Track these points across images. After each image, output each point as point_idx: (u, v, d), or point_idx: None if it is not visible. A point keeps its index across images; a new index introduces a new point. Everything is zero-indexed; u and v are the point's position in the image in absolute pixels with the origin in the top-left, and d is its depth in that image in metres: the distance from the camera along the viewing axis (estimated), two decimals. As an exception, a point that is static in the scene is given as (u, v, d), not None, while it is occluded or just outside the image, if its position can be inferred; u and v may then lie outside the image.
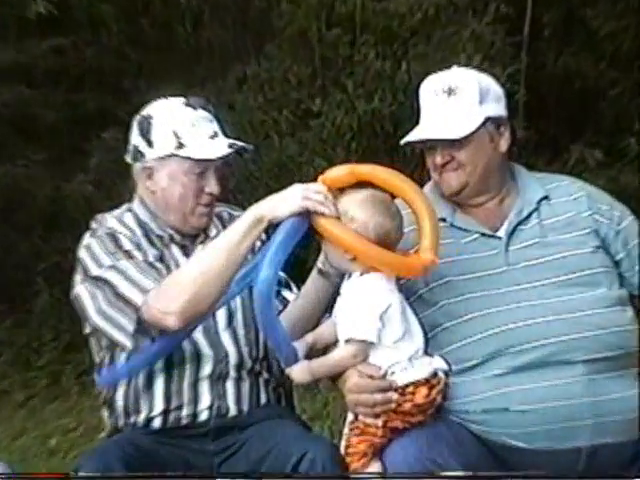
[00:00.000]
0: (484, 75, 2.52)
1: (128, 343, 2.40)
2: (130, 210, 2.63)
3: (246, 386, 2.56)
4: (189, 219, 2.58)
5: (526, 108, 6.49)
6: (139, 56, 8.10)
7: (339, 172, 2.31)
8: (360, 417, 2.27)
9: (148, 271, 2.41)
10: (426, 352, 2.31)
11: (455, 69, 2.53)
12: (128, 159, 2.63)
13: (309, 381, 2.27)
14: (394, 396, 2.23)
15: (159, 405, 2.51)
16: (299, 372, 2.25)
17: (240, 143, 2.58)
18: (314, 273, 2.44)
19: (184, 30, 7.80)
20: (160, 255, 2.55)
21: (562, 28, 6.68)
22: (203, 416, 2.50)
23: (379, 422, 2.24)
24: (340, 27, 6.98)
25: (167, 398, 2.51)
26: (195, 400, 2.51)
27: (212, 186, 2.56)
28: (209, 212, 2.61)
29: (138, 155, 2.58)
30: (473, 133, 2.42)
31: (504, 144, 2.51)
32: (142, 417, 2.51)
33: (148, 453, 2.37)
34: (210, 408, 2.50)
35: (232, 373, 2.54)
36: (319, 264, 2.42)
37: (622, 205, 2.53)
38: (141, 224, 2.59)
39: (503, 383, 2.29)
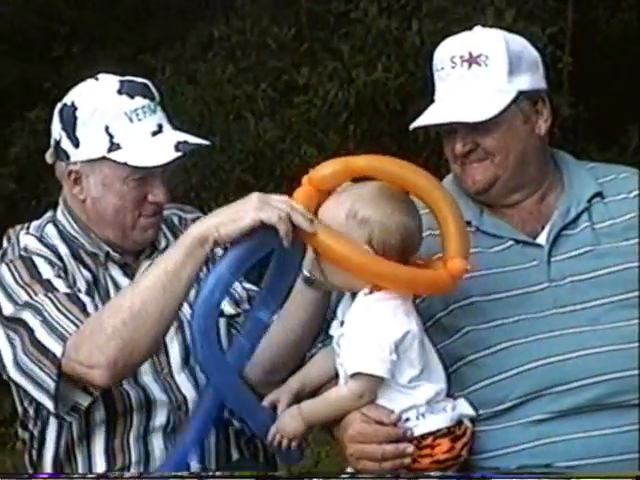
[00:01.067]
0: (516, 37, 2.53)
1: (51, 406, 2.38)
2: (53, 221, 2.62)
3: (211, 439, 2.56)
4: (130, 234, 2.58)
5: (572, 79, 6.52)
6: (72, 13, 8.09)
7: (329, 168, 2.32)
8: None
9: (71, 308, 2.40)
10: (448, 394, 2.32)
11: (479, 30, 2.54)
12: (48, 158, 2.62)
13: (303, 432, 2.27)
14: (409, 448, 2.23)
15: (99, 465, 2.51)
16: (291, 421, 2.25)
17: (194, 140, 2.56)
18: (299, 284, 2.42)
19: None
20: (94, 279, 2.55)
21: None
22: (157, 478, 2.51)
23: (387, 482, 2.25)
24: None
25: (109, 456, 2.51)
26: (146, 457, 2.51)
27: (157, 194, 2.55)
28: (155, 222, 2.60)
29: (61, 154, 2.57)
30: (502, 113, 2.43)
31: (543, 126, 2.52)
32: (78, 480, 2.52)
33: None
34: (166, 468, 2.51)
35: (193, 423, 2.55)
36: (305, 271, 2.40)
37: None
38: (68, 239, 2.59)
39: (544, 432, 2.30)
